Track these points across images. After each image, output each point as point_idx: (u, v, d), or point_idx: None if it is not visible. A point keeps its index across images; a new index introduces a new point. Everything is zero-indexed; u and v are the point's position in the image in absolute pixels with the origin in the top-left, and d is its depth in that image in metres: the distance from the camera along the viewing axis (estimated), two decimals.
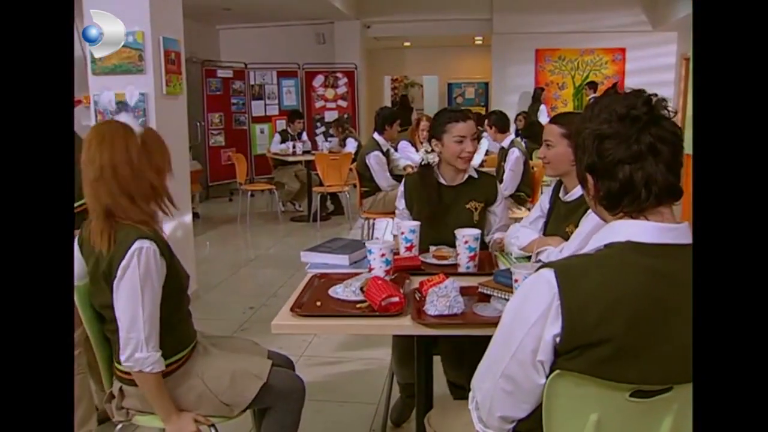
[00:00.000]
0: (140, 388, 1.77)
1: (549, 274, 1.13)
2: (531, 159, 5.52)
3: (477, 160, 5.45)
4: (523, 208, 4.92)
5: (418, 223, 2.31)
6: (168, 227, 3.94)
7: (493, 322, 1.27)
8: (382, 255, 1.99)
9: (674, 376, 1.13)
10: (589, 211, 1.73)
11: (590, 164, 1.20)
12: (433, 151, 2.52)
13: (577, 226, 2.01)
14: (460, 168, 2.50)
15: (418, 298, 1.80)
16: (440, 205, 2.50)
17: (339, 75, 10.02)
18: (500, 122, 5.44)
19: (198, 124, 8.48)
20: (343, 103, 10.06)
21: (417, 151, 5.75)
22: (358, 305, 1.80)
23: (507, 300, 1.65)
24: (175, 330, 1.83)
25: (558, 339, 1.12)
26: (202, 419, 1.83)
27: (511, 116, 7.42)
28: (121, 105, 3.92)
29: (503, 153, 5.18)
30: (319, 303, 1.84)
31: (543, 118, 9.40)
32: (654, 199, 1.15)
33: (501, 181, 4.82)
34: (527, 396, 1.18)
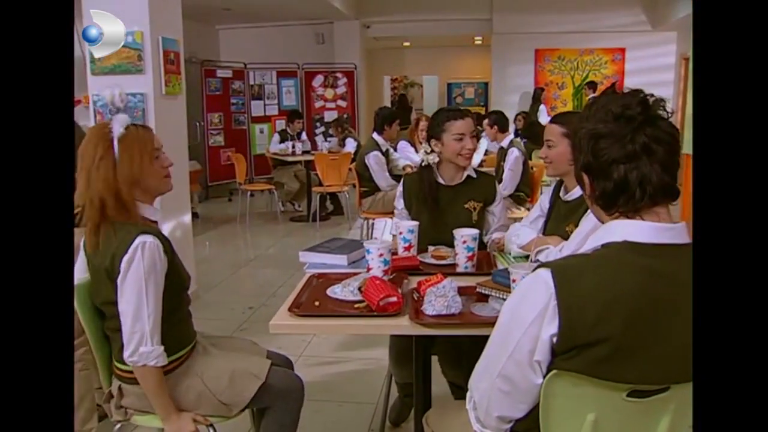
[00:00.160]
0: (141, 385, 1.77)
1: (546, 274, 1.14)
2: (530, 159, 5.52)
3: (476, 160, 5.45)
4: (523, 208, 4.92)
5: (416, 223, 2.31)
6: (167, 227, 3.95)
7: (491, 322, 1.28)
8: (381, 255, 2.00)
9: (672, 376, 1.13)
10: (589, 210, 1.73)
11: (586, 164, 1.20)
12: (432, 151, 2.52)
13: (577, 225, 2.01)
14: (462, 165, 2.50)
15: (416, 298, 1.80)
16: (439, 205, 2.51)
17: (338, 75, 10.02)
18: (501, 121, 5.45)
19: (197, 124, 8.48)
20: (342, 103, 10.06)
21: (416, 151, 5.75)
22: (356, 305, 1.80)
23: (505, 300, 1.65)
24: (175, 329, 1.84)
25: (555, 339, 1.12)
26: (201, 419, 1.83)
27: (511, 116, 7.44)
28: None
29: (502, 153, 5.19)
30: (317, 303, 1.85)
31: (543, 118, 9.40)
32: (649, 199, 1.15)
33: (500, 181, 4.83)
34: (524, 396, 1.18)
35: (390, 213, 4.68)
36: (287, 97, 9.77)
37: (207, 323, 3.32)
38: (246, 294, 4.79)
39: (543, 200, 2.38)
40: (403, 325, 1.72)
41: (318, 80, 9.97)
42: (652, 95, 1.17)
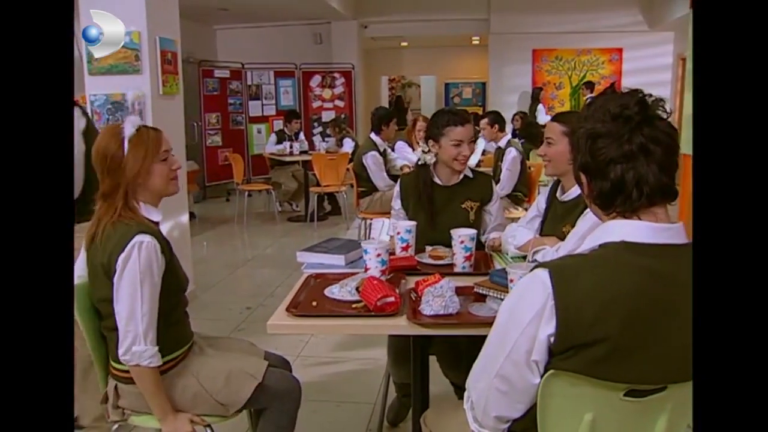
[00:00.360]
0: (138, 385, 1.77)
1: (543, 274, 1.14)
2: (528, 159, 5.53)
3: (474, 160, 5.45)
4: (520, 208, 4.93)
5: (414, 223, 2.31)
6: (164, 227, 3.94)
7: (489, 322, 1.28)
8: (378, 255, 1.99)
9: (669, 376, 1.13)
10: (587, 210, 1.73)
11: (584, 163, 1.20)
12: (430, 151, 2.52)
13: (573, 225, 2.01)
14: (457, 169, 2.50)
15: (413, 298, 1.80)
16: (435, 204, 2.51)
17: (336, 75, 10.02)
18: (499, 121, 5.45)
19: (195, 124, 8.47)
20: (340, 103, 10.05)
21: (414, 151, 5.75)
22: (353, 305, 1.80)
23: (502, 300, 1.65)
24: (172, 329, 1.84)
25: (552, 339, 1.12)
26: (198, 420, 1.83)
27: (508, 116, 7.44)
28: (117, 105, 3.91)
29: (500, 153, 5.19)
30: (314, 303, 1.84)
31: (541, 117, 9.42)
32: (646, 199, 1.15)
33: (498, 181, 4.83)
34: (522, 396, 1.18)
35: (388, 213, 4.66)
36: (285, 97, 9.76)
37: (204, 323, 3.32)
38: (243, 294, 4.79)
39: (540, 200, 2.38)
40: (400, 325, 1.72)
41: (315, 80, 9.96)
42: (650, 95, 1.17)
